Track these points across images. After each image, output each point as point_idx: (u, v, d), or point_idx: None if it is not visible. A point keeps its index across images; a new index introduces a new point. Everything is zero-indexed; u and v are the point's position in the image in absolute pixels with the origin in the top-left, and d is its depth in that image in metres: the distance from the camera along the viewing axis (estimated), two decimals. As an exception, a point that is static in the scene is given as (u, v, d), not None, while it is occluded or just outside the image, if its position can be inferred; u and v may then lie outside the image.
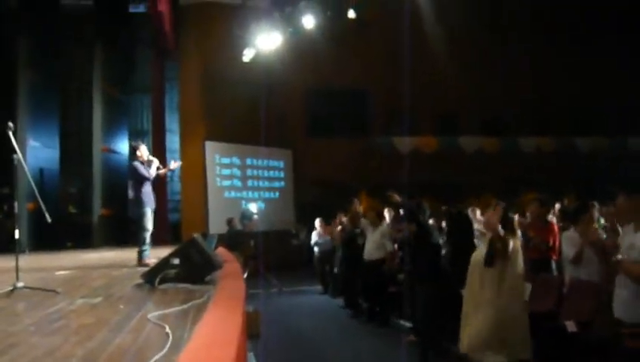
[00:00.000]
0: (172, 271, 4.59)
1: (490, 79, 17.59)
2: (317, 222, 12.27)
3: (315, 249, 12.18)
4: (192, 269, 4.63)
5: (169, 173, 14.51)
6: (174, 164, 8.30)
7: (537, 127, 19.01)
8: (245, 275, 9.94)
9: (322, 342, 7.39)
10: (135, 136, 14.40)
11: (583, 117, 19.24)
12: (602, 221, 7.80)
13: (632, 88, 17.50)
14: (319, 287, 11.77)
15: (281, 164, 16.62)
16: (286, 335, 7.75)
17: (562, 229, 6.66)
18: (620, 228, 5.43)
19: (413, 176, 17.40)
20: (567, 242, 5.67)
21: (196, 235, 4.96)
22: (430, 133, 18.09)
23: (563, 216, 8.19)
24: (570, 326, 4.74)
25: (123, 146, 14.01)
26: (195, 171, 14.41)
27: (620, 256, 3.21)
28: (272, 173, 16.40)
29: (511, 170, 18.55)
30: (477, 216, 10.97)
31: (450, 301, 5.61)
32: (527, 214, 7.36)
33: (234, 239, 11.73)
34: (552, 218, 7.93)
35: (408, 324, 6.95)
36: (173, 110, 15.27)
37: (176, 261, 4.65)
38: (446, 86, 17.39)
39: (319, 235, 12.09)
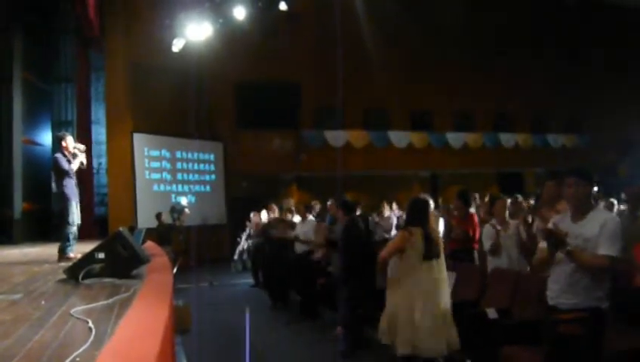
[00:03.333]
0: (97, 266, 4.46)
1: (421, 75, 18.02)
2: (251, 215, 12.22)
3: (249, 242, 12.13)
4: (117, 263, 4.52)
5: (95, 166, 14.09)
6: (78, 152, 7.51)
7: (465, 122, 19.67)
8: (175, 270, 9.80)
9: (254, 335, 7.37)
10: (59, 128, 13.81)
11: (506, 115, 20.10)
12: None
13: (544, 91, 18.59)
14: (251, 280, 11.73)
15: (212, 157, 16.40)
16: (217, 329, 7.68)
17: (483, 221, 6.94)
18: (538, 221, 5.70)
19: (344, 170, 17.68)
20: (486, 233, 5.94)
21: (122, 229, 4.83)
22: (361, 127, 18.34)
23: (487, 208, 8.49)
24: (491, 312, 4.95)
25: (46, 138, 13.43)
26: (123, 164, 14.01)
27: (568, 248, 3.35)
28: (202, 166, 16.17)
29: (439, 164, 19.13)
30: (391, 210, 11.28)
31: (379, 293, 5.73)
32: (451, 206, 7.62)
33: (163, 233, 11.53)
34: (474, 210, 8.23)
35: (336, 316, 7.03)
36: (100, 101, 14.72)
37: (101, 255, 4.52)
38: (377, 80, 17.65)
39: (251, 228, 12.04)
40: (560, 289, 3.43)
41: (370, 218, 10.97)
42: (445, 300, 4.73)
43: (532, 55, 18.86)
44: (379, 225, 10.95)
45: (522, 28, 18.74)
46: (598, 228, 3.32)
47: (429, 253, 4.67)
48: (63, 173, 6.71)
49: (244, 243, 13.42)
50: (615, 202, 6.97)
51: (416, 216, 4.81)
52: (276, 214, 10.87)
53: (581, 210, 3.47)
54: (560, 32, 18.99)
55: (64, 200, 6.71)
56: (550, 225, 3.66)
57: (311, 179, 18.05)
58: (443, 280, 4.79)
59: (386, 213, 11.42)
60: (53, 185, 7.07)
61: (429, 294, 4.61)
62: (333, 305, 7.25)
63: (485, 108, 19.71)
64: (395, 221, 11.14)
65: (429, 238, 4.71)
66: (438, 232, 5.10)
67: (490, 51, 18.48)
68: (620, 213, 6.65)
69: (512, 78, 18.73)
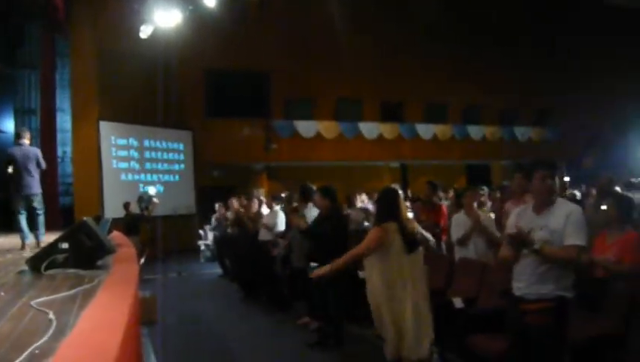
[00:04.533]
0: (60, 256, 4.35)
1: (392, 66, 18.07)
2: (216, 206, 12.14)
3: (215, 232, 12.05)
4: (81, 254, 4.42)
5: (60, 154, 13.81)
6: None
7: (435, 114, 19.84)
8: (143, 260, 9.69)
9: (221, 325, 7.35)
10: (22, 115, 13.50)
11: (475, 107, 20.34)
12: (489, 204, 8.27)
13: (512, 85, 18.86)
14: (219, 271, 11.67)
15: (181, 146, 16.20)
16: (184, 320, 7.63)
17: (452, 212, 7.02)
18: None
19: (315, 160, 17.72)
20: (455, 224, 6.01)
21: (87, 218, 4.73)
22: (332, 117, 18.34)
23: (454, 199, 8.60)
24: (458, 302, 5.02)
25: (8, 125, 13.11)
26: (89, 152, 13.74)
27: (536, 246, 3.37)
28: (171, 155, 15.96)
29: (409, 155, 19.27)
30: (362, 200, 11.32)
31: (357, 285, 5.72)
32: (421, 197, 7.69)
33: (131, 223, 11.36)
34: (443, 201, 8.32)
35: (306, 306, 7.03)
36: (65, 88, 14.41)
37: (64, 245, 4.41)
38: (348, 71, 17.68)
39: (218, 218, 11.96)
40: (527, 280, 3.47)
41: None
42: (426, 292, 4.58)
43: (502, 49, 19.10)
44: (352, 217, 10.96)
45: (492, 22, 18.95)
46: (563, 219, 3.37)
47: (410, 245, 4.47)
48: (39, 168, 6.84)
49: (210, 234, 13.35)
50: (578, 194, 7.11)
51: (389, 209, 4.59)
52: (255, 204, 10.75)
53: (546, 202, 3.51)
54: (528, 26, 19.27)
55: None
56: (512, 219, 3.70)
57: (281, 168, 18.02)
58: (424, 272, 4.63)
59: (358, 203, 11.44)
60: (30, 178, 7.07)
61: (416, 292, 4.44)
62: (301, 296, 7.23)
63: (455, 101, 19.90)
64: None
65: (406, 231, 4.50)
66: (413, 221, 4.93)
67: (461, 44, 18.63)
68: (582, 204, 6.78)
69: (482, 71, 18.93)
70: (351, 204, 11.53)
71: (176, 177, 16.06)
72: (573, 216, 3.37)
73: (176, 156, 16.14)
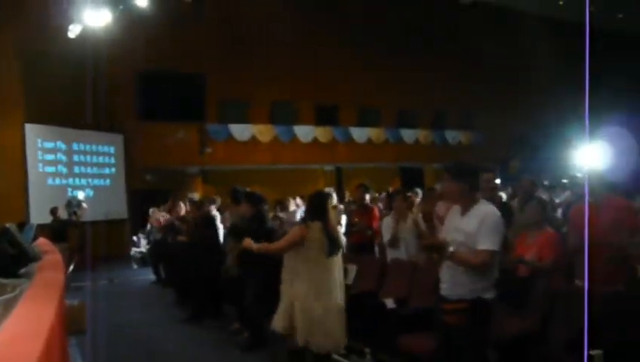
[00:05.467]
0: (-20, 265, 4.17)
1: (326, 70, 18.20)
2: (150, 211, 11.90)
3: (149, 237, 11.80)
4: (3, 262, 4.24)
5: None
6: None
7: (369, 118, 20.14)
8: (71, 267, 9.37)
9: (154, 333, 7.21)
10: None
11: (408, 111, 20.78)
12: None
13: (442, 89, 19.40)
14: (152, 277, 11.42)
15: (112, 150, 15.74)
16: (115, 328, 7.41)
17: (384, 215, 7.16)
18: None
19: (250, 164, 17.64)
20: (387, 226, 6.15)
21: (9, 225, 4.53)
22: (267, 121, 18.30)
23: (386, 202, 8.78)
24: (389, 302, 5.13)
25: None
26: (13, 156, 13.16)
27: (451, 249, 3.44)
28: (101, 158, 15.47)
29: (344, 158, 19.47)
30: (296, 203, 11.39)
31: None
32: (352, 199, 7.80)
33: (58, 229, 10.97)
34: (375, 204, 8.47)
35: (237, 311, 6.99)
36: (-12, 90, 13.74)
37: (-15, 254, 4.22)
38: (283, 75, 17.71)
39: (151, 224, 11.73)
40: (448, 280, 3.58)
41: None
42: (342, 297, 4.68)
43: (433, 53, 19.62)
44: (283, 220, 10.99)
45: (423, 26, 19.43)
46: (477, 223, 3.41)
47: (331, 248, 4.58)
48: None
49: (144, 239, 13.07)
50: (504, 196, 7.40)
51: (315, 211, 4.71)
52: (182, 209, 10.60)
53: (463, 204, 3.57)
54: (456, 31, 19.86)
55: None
56: (446, 220, 3.81)
57: (216, 172, 17.83)
58: (340, 276, 4.76)
59: (292, 207, 11.48)
60: None
61: (330, 291, 4.56)
62: (235, 301, 7.19)
63: (388, 105, 20.25)
64: (299, 215, 11.21)
65: (330, 234, 4.61)
66: (338, 228, 5.07)
67: (393, 48, 19.01)
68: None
69: (414, 76, 19.36)
70: (283, 207, 11.57)
71: (107, 181, 15.60)
72: (486, 221, 3.40)
73: (106, 160, 15.67)
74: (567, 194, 9.79)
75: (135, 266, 13.36)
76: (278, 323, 4.64)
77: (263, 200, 6.29)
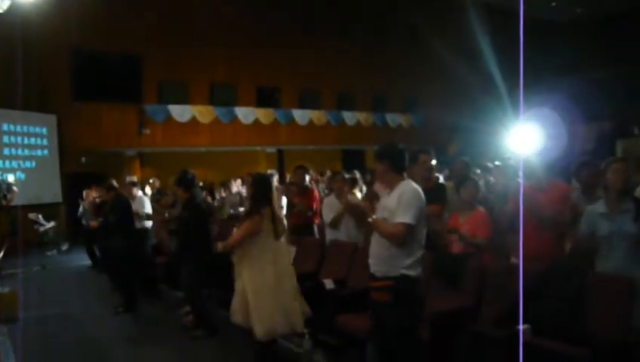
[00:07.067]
0: None
1: (267, 51, 18.04)
2: (84, 193, 11.55)
3: (83, 221, 11.47)
4: None
5: None
6: None
7: (310, 100, 20.14)
8: (1, 254, 9.01)
9: (90, 320, 7.04)
10: None
11: (349, 94, 20.90)
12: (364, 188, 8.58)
13: (383, 72, 19.56)
14: (88, 262, 11.14)
15: (44, 131, 15.11)
16: (49, 316, 7.21)
17: (325, 196, 7.22)
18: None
19: (190, 146, 17.37)
20: (327, 207, 6.20)
21: None
22: (207, 102, 18.02)
23: (327, 184, 8.84)
24: (328, 283, 5.19)
25: None
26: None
27: (374, 216, 3.56)
28: (33, 140, 14.82)
29: (286, 140, 19.44)
30: (237, 185, 11.35)
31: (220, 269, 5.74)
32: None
33: (-14, 214, 10.49)
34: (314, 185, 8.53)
35: (180, 294, 6.92)
36: None
37: None
38: (223, 55, 17.47)
39: (84, 206, 11.39)
40: (374, 257, 3.67)
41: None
42: (293, 276, 4.72)
43: (374, 38, 19.75)
44: (226, 201, 10.94)
45: (364, 11, 19.52)
46: (396, 199, 3.55)
47: (278, 232, 4.60)
48: None
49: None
50: (441, 178, 7.57)
51: (263, 196, 4.66)
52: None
53: (389, 184, 3.70)
54: (397, 16, 20.05)
55: None
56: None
57: (155, 155, 17.47)
58: (289, 257, 4.81)
59: (234, 188, 11.42)
60: None
61: (281, 273, 4.56)
62: (175, 284, 7.12)
63: (329, 87, 20.30)
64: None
65: (276, 217, 4.63)
66: (281, 209, 5.08)
67: (333, 32, 19.04)
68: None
69: (354, 59, 19.47)
70: (226, 189, 11.51)
71: (40, 164, 15.01)
72: (404, 196, 3.53)
73: (39, 141, 15.04)
74: (499, 176, 10.08)
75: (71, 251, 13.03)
76: (236, 316, 4.62)
77: (196, 183, 6.21)
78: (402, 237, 3.49)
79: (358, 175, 8.58)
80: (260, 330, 4.41)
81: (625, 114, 18.79)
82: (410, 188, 3.60)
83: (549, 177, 4.60)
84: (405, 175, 3.70)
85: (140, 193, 8.90)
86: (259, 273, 4.48)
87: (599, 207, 4.11)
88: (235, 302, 4.64)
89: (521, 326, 3.38)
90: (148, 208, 8.79)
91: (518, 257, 4.52)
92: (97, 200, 9.83)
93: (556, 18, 21.93)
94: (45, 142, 15.17)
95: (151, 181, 11.21)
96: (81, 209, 11.58)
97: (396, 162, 3.68)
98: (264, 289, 4.45)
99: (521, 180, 4.93)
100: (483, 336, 3.95)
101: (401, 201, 3.51)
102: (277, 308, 4.46)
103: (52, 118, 15.20)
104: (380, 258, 3.60)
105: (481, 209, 5.03)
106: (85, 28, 14.57)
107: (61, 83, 15.39)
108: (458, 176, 5.94)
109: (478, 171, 9.54)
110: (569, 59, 20.39)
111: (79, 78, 15.66)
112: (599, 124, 19.03)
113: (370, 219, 3.56)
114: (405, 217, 3.47)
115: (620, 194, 4.00)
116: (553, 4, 20.85)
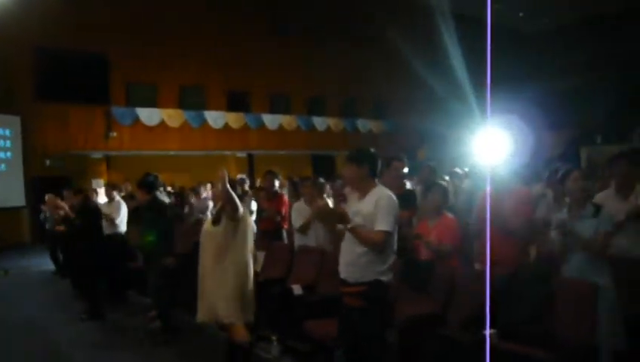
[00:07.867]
0: None
1: (238, 56, 17.98)
2: (47, 197, 11.28)
3: (46, 226, 11.19)
4: None
5: None
6: None
7: (281, 105, 20.11)
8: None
9: (52, 326, 6.85)
10: None
11: (319, 99, 20.92)
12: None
13: (353, 78, 19.66)
14: (52, 267, 10.88)
15: (7, 132, 14.75)
16: (9, 323, 7.01)
17: (293, 201, 7.18)
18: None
19: (159, 149, 17.15)
20: (296, 213, 6.16)
21: None
22: (176, 105, 17.84)
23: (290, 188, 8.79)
24: (297, 289, 5.16)
25: None
26: None
27: (349, 225, 3.52)
28: (-5, 142, 14.52)
29: (256, 145, 19.36)
30: (207, 191, 11.23)
31: (185, 273, 5.64)
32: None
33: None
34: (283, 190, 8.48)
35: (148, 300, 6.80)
36: None
37: None
38: (193, 59, 17.31)
39: (47, 210, 11.11)
40: (346, 263, 3.65)
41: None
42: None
43: (345, 43, 19.79)
44: (195, 206, 10.79)
45: (337, 15, 19.55)
46: (372, 205, 3.54)
47: (216, 218, 4.43)
48: None
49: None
50: (409, 184, 7.59)
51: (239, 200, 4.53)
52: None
53: (361, 189, 3.68)
54: (368, 21, 20.13)
55: None
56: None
57: (122, 158, 17.20)
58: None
59: (203, 193, 11.27)
60: None
61: (249, 274, 4.42)
62: (144, 290, 6.99)
63: (299, 92, 20.32)
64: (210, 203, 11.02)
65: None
66: (251, 215, 4.98)
67: (303, 38, 19.05)
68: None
69: (325, 64, 19.47)
70: (196, 194, 11.35)
71: (2, 166, 14.65)
72: (380, 203, 3.52)
73: (1, 143, 14.69)
74: (467, 181, 10.17)
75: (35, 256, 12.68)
76: (202, 316, 4.39)
77: (158, 186, 6.12)
78: (382, 245, 3.50)
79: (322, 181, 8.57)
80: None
81: (588, 122, 19.20)
82: (386, 194, 3.60)
83: (514, 183, 4.64)
84: (377, 181, 3.70)
85: (117, 197, 8.69)
86: (232, 275, 4.31)
87: (563, 213, 4.20)
88: (202, 306, 4.47)
89: (487, 331, 3.40)
90: (124, 213, 8.55)
91: (481, 263, 4.56)
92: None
93: (523, 28, 22.36)
94: (9, 144, 14.83)
95: (123, 186, 11.04)
96: (42, 214, 11.30)
97: (372, 167, 3.67)
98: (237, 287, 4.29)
99: (487, 187, 4.96)
100: (451, 341, 3.97)
101: (379, 208, 3.51)
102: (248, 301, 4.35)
103: (16, 120, 14.87)
104: (354, 264, 3.58)
105: (449, 215, 5.06)
106: (50, 26, 14.31)
107: (25, 83, 15.07)
108: (424, 181, 5.97)
109: (447, 178, 9.59)
110: (535, 68, 20.79)
111: (44, 78, 15.31)
112: (566, 131, 19.42)
113: (349, 226, 3.53)
114: (385, 225, 3.48)
115: (580, 201, 4.09)
116: (521, 14, 21.23)
